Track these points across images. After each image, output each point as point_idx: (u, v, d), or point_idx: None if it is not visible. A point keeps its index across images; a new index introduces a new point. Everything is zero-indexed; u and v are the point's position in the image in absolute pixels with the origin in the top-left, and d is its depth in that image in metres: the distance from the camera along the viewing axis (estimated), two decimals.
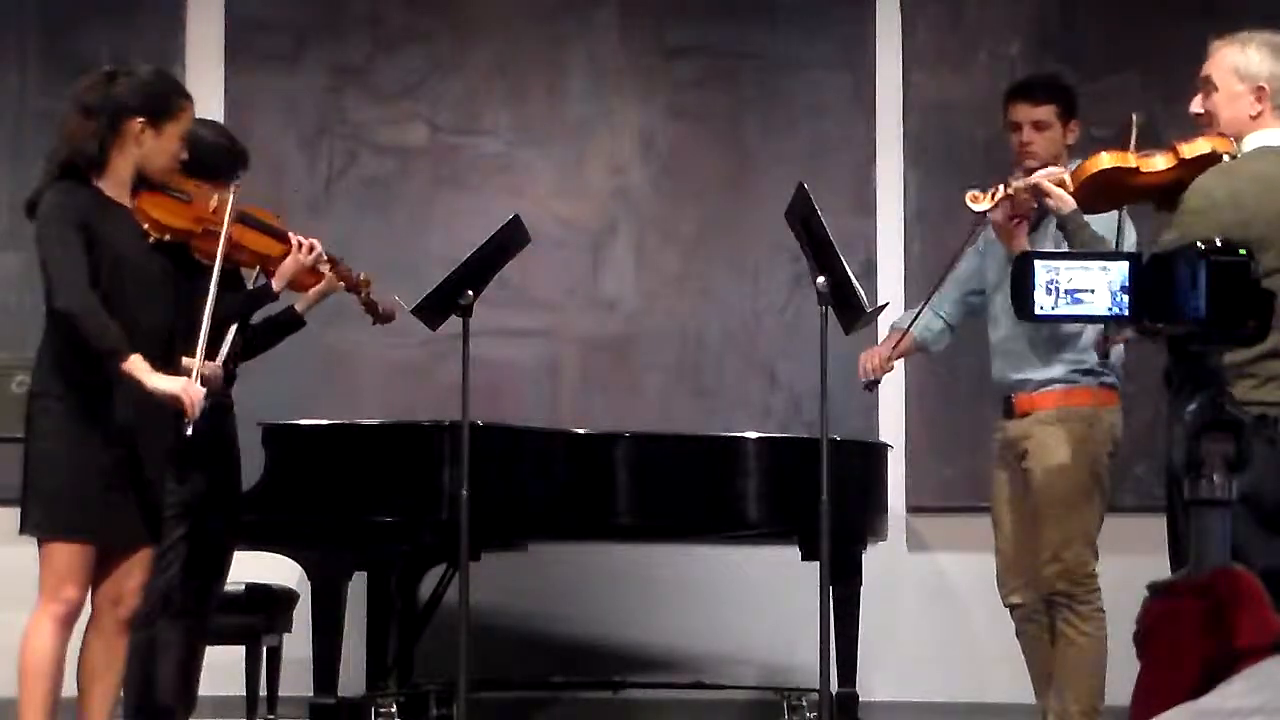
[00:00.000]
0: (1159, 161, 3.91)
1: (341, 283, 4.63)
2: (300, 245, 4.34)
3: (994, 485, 4.58)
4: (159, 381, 3.75)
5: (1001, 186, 4.21)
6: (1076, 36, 6.21)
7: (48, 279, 3.77)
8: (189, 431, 3.79)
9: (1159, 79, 5.82)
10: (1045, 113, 4.45)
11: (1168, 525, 3.64)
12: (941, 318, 4.74)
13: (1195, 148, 3.82)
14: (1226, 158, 3.74)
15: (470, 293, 4.48)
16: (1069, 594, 4.35)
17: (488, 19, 6.45)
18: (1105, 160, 4.02)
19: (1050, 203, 4.10)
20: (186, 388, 3.78)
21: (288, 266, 4.31)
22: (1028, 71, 6.03)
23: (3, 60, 6.35)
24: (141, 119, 3.86)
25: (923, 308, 4.67)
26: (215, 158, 4.24)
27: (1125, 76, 6.07)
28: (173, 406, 3.77)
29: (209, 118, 4.79)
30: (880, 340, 4.93)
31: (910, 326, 4.66)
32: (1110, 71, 5.47)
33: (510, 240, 4.58)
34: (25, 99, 6.23)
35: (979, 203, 4.23)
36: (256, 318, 4.63)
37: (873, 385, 4.79)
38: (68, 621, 3.77)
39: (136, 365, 3.73)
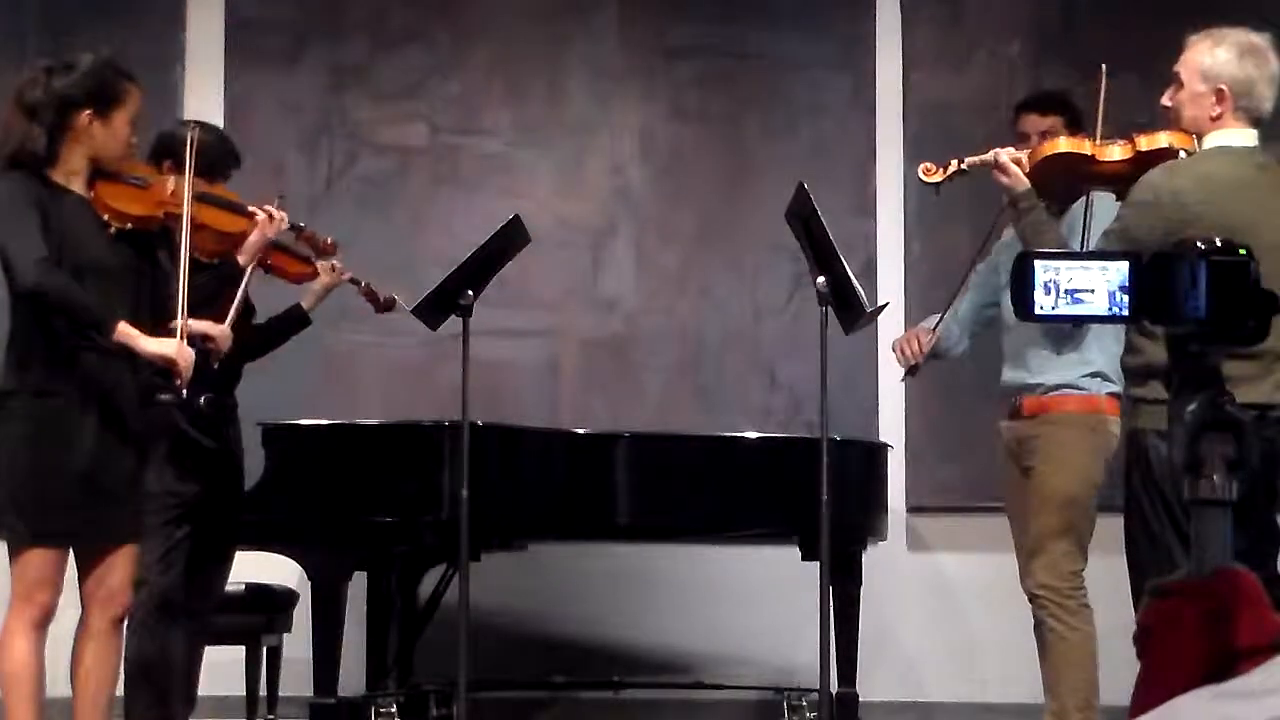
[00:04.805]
0: (1115, 151, 3.91)
1: (345, 276, 4.64)
2: (262, 216, 4.23)
3: (1006, 485, 4.61)
4: (151, 344, 3.74)
5: (955, 161, 4.23)
6: (1076, 36, 6.21)
7: (7, 263, 3.72)
8: (184, 394, 3.76)
9: (1159, 79, 5.80)
10: (1052, 123, 4.50)
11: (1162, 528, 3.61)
12: (958, 325, 4.72)
13: (1153, 141, 3.82)
14: (1183, 154, 3.73)
15: (470, 293, 4.48)
16: (1055, 589, 4.37)
17: (488, 19, 6.45)
18: (1062, 144, 4.04)
19: (1004, 180, 4.10)
20: (180, 350, 3.76)
21: (253, 240, 4.19)
22: (1028, 71, 6.04)
23: (3, 60, 6.35)
24: (88, 110, 3.83)
25: (945, 312, 4.63)
26: (208, 157, 4.24)
27: (1125, 76, 6.06)
28: (167, 367, 3.75)
29: (208, 118, 4.81)
30: (904, 333, 4.81)
31: (937, 325, 4.61)
32: (1110, 72, 5.44)
33: (510, 240, 4.58)
34: None
35: (931, 175, 4.27)
36: (260, 317, 4.64)
37: (914, 371, 4.64)
38: (42, 624, 3.77)
39: (126, 331, 3.71)
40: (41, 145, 3.79)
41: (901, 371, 4.70)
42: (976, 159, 4.19)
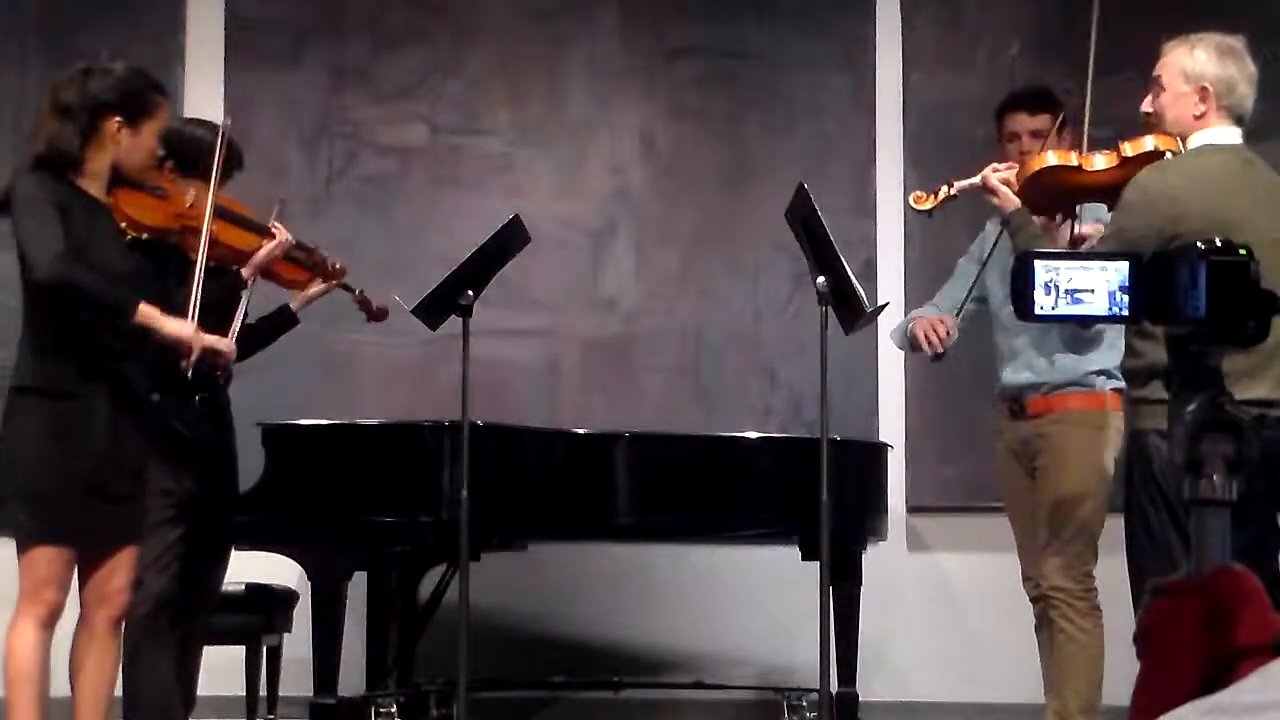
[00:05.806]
0: (1100, 160, 3.92)
1: (334, 282, 4.65)
2: (273, 241, 4.34)
3: (1007, 485, 4.59)
4: (172, 325, 3.82)
5: (945, 187, 4.23)
6: (1076, 36, 6.20)
7: (25, 257, 3.72)
8: (189, 374, 3.90)
9: None
10: (1043, 121, 4.49)
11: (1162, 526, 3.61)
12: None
13: (1139, 145, 3.84)
14: (1169, 155, 3.75)
15: (470, 293, 4.48)
16: (1068, 590, 4.36)
17: (488, 19, 6.45)
18: (1049, 159, 4.04)
19: (995, 201, 4.11)
20: (198, 331, 3.87)
21: (260, 257, 4.31)
22: (1028, 72, 6.03)
23: (3, 60, 6.35)
24: (119, 118, 3.83)
25: (965, 301, 4.56)
26: (211, 158, 4.24)
27: (1125, 76, 6.06)
28: (178, 346, 3.84)
29: (208, 118, 4.80)
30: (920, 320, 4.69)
31: (960, 311, 4.52)
32: (1110, 71, 5.46)
33: (510, 240, 4.58)
34: (25, 99, 6.22)
35: (922, 203, 4.27)
36: (252, 317, 4.64)
37: (941, 357, 4.52)
38: (49, 623, 3.77)
39: (148, 313, 3.77)
40: (73, 147, 3.79)
41: (898, 361, 4.67)
42: (966, 183, 4.21)
